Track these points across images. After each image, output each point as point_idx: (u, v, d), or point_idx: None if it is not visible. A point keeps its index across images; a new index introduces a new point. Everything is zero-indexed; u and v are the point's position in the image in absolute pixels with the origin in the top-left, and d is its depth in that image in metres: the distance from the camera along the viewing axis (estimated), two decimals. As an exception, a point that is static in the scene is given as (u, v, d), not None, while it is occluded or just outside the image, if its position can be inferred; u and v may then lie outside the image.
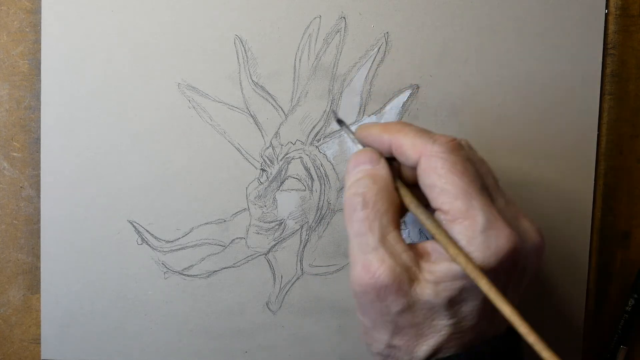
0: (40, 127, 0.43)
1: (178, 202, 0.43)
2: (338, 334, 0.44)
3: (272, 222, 0.44)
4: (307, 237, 0.44)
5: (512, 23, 0.42)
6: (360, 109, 0.43)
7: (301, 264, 0.44)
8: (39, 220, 0.44)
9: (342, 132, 0.43)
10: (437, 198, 0.31)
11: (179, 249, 0.44)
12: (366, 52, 0.42)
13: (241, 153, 0.43)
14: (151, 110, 0.43)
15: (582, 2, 0.42)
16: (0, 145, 0.44)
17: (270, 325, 0.44)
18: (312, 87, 0.43)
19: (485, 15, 0.42)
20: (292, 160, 0.43)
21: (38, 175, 0.44)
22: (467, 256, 0.30)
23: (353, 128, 0.43)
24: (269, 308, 0.44)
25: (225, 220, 0.44)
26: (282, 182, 0.43)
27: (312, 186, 0.43)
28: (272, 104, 0.43)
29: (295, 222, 0.44)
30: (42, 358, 0.45)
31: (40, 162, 0.43)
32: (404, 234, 0.43)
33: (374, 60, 0.42)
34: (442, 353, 0.32)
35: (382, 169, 0.33)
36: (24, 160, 0.44)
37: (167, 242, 0.44)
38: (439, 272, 0.31)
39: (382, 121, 0.43)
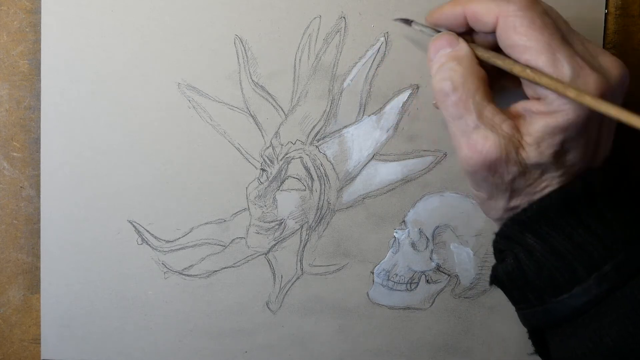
0: (40, 127, 0.43)
1: (178, 202, 0.43)
2: (338, 334, 0.44)
3: (272, 222, 0.44)
4: (307, 237, 0.44)
5: (512, 23, 0.42)
6: (360, 109, 0.43)
7: (301, 263, 0.44)
8: (39, 220, 0.44)
9: (343, 132, 0.43)
10: (520, 57, 0.32)
11: (179, 249, 0.44)
12: (366, 52, 0.42)
13: (241, 153, 0.43)
14: (151, 110, 0.43)
15: (582, 2, 0.42)
16: (0, 145, 0.44)
17: (270, 325, 0.44)
18: (312, 87, 0.43)
19: (485, 15, 0.42)
20: (292, 160, 0.43)
21: (38, 175, 0.44)
22: (572, 86, 0.31)
23: (351, 131, 0.43)
24: (269, 308, 0.44)
25: (225, 220, 0.44)
26: (282, 182, 0.43)
27: (312, 186, 0.43)
28: (272, 104, 0.43)
29: (295, 222, 0.44)
30: (42, 358, 0.45)
31: (40, 162, 0.43)
32: (404, 233, 0.43)
33: (374, 60, 0.42)
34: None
35: (463, 48, 0.34)
36: (24, 160, 0.44)
37: (167, 242, 0.44)
38: (536, 131, 0.32)
39: (382, 121, 0.43)
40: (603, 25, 0.42)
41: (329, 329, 0.44)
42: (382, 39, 0.42)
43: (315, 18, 0.42)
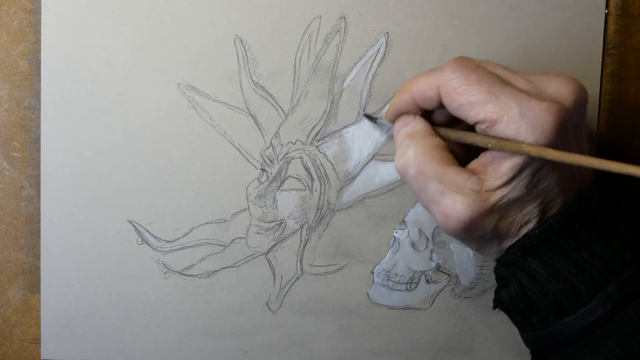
0: (40, 127, 0.43)
1: (178, 202, 0.43)
2: (338, 334, 0.44)
3: (272, 222, 0.44)
4: (307, 237, 0.44)
5: (512, 23, 0.42)
6: (360, 109, 0.43)
7: (301, 263, 0.44)
8: (39, 220, 0.44)
9: (343, 132, 0.43)
10: (469, 114, 0.33)
11: (179, 249, 0.44)
12: (366, 52, 0.42)
13: (241, 153, 0.43)
14: (151, 110, 0.43)
15: (582, 2, 0.42)
16: (0, 145, 0.44)
17: (270, 325, 0.44)
18: (312, 87, 0.43)
19: (485, 15, 0.42)
20: (292, 160, 0.43)
21: (38, 175, 0.44)
22: (525, 143, 0.31)
23: (351, 131, 0.43)
24: (269, 308, 0.44)
25: (225, 220, 0.44)
26: (282, 182, 0.43)
27: (312, 186, 0.43)
28: (272, 104, 0.43)
29: (295, 222, 0.44)
30: (42, 358, 0.45)
31: (40, 162, 0.43)
32: (404, 233, 0.43)
33: (374, 60, 0.42)
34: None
35: (418, 124, 0.36)
36: (24, 160, 0.44)
37: (167, 242, 0.44)
38: (504, 173, 0.32)
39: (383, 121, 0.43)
40: (603, 25, 0.42)
41: (329, 329, 0.44)
42: (382, 39, 0.42)
43: (315, 18, 0.42)
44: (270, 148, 0.43)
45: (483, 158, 0.34)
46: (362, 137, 0.43)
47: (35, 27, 0.43)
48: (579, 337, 0.32)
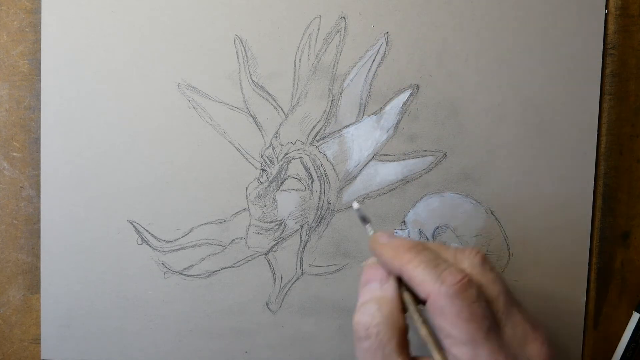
0: (40, 127, 0.43)
1: (178, 202, 0.43)
2: (338, 334, 0.44)
3: (272, 222, 0.44)
4: (307, 237, 0.44)
5: (512, 23, 0.42)
6: (360, 109, 0.43)
7: (301, 264, 0.44)
8: (39, 220, 0.44)
9: (343, 132, 0.43)
10: (443, 340, 0.31)
11: (179, 249, 0.44)
12: (366, 52, 0.42)
13: (241, 153, 0.43)
14: (151, 110, 0.43)
15: (582, 2, 0.42)
16: (0, 145, 0.44)
17: (270, 325, 0.44)
18: (312, 87, 0.43)
19: (485, 15, 0.42)
20: (292, 160, 0.43)
21: (38, 175, 0.44)
22: None
23: (351, 131, 0.43)
24: (269, 308, 0.44)
25: (225, 220, 0.44)
26: (282, 182, 0.43)
27: (312, 186, 0.43)
28: (272, 104, 0.43)
29: (295, 222, 0.44)
30: (42, 358, 0.45)
31: (40, 162, 0.43)
32: (404, 234, 0.43)
33: (374, 60, 0.42)
34: None
35: (390, 290, 0.33)
36: (24, 160, 0.44)
37: (167, 242, 0.44)
38: None
39: (382, 121, 0.43)
40: (603, 25, 0.42)
41: (329, 329, 0.44)
42: (382, 39, 0.42)
43: (315, 18, 0.42)
44: (270, 148, 0.43)
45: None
46: (362, 137, 0.43)
47: (35, 27, 0.43)
48: None
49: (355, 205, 0.37)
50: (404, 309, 0.33)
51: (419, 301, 0.33)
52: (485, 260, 0.33)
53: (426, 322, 0.33)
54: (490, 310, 0.32)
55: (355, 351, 0.33)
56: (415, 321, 0.33)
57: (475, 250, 0.33)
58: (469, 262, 0.33)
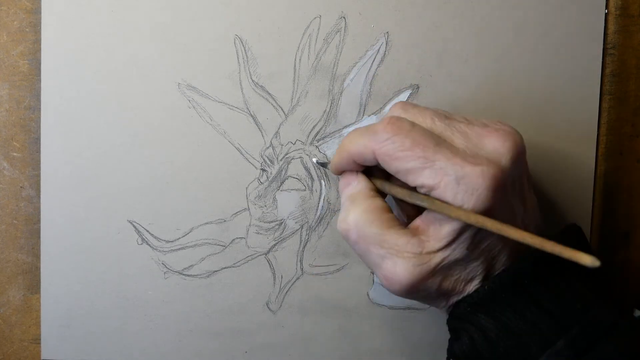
0: (40, 127, 0.43)
1: (178, 202, 0.43)
2: (338, 334, 0.44)
3: (272, 222, 0.44)
4: (307, 237, 0.44)
5: (512, 23, 0.42)
6: (360, 109, 0.43)
7: (301, 263, 0.44)
8: (39, 220, 0.44)
9: (343, 132, 0.43)
10: (406, 179, 0.32)
11: (179, 249, 0.44)
12: (366, 52, 0.42)
13: (241, 153, 0.43)
14: (151, 110, 0.43)
15: (582, 2, 0.42)
16: (0, 145, 0.44)
17: (270, 325, 0.44)
18: (312, 87, 0.43)
19: (485, 15, 0.42)
20: (292, 160, 0.43)
21: (38, 175, 0.44)
22: (462, 209, 0.31)
23: (353, 127, 0.43)
24: (269, 308, 0.44)
25: (225, 220, 0.44)
26: (282, 182, 0.43)
27: (312, 186, 0.43)
28: (272, 104, 0.43)
29: (295, 222, 0.44)
30: (42, 358, 0.45)
31: (40, 162, 0.43)
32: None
33: (374, 60, 0.42)
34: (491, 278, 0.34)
35: (359, 184, 0.35)
36: (24, 160, 0.44)
37: (167, 242, 0.44)
38: (445, 236, 0.32)
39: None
40: (603, 25, 0.42)
41: (329, 329, 0.44)
42: (382, 39, 0.42)
43: (315, 18, 0.42)
44: (270, 148, 0.43)
45: (425, 217, 0.33)
46: (362, 137, 0.43)
47: (35, 27, 0.43)
48: None
49: (314, 160, 0.41)
50: (380, 195, 0.35)
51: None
52: (405, 104, 0.35)
53: (394, 184, 0.34)
54: (430, 133, 0.33)
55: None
56: (388, 191, 0.35)
57: (394, 103, 0.36)
58: (391, 112, 0.35)
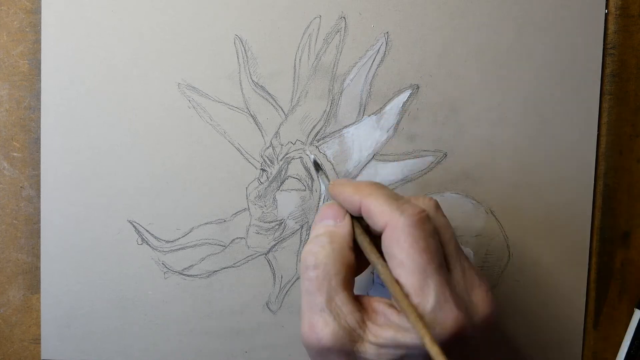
0: (40, 127, 0.43)
1: (178, 202, 0.43)
2: (338, 334, 0.44)
3: (272, 222, 0.44)
4: (307, 237, 0.44)
5: (512, 23, 0.42)
6: (360, 109, 0.43)
7: (301, 264, 0.44)
8: (39, 220, 0.44)
9: (343, 132, 0.43)
10: (395, 269, 0.32)
11: (179, 249, 0.44)
12: (366, 52, 0.42)
13: (241, 153, 0.43)
14: (151, 110, 0.43)
15: (582, 2, 0.42)
16: (0, 145, 0.44)
17: (270, 325, 0.44)
18: (312, 87, 0.43)
19: (485, 15, 0.42)
20: (292, 160, 0.43)
21: (38, 175, 0.44)
22: (424, 328, 0.30)
23: (351, 131, 0.43)
24: (269, 308, 0.44)
25: (225, 220, 0.44)
26: (282, 182, 0.43)
27: (312, 186, 0.43)
28: (272, 104, 0.43)
29: (295, 222, 0.44)
30: (42, 358, 0.45)
31: (40, 162, 0.43)
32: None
33: (374, 60, 0.42)
34: None
35: (344, 227, 0.34)
36: (24, 160, 0.44)
37: (167, 242, 0.44)
38: (383, 338, 0.31)
39: (382, 121, 0.43)
40: (603, 25, 0.42)
41: (329, 329, 0.44)
42: (382, 39, 0.42)
43: (315, 18, 0.42)
44: (270, 148, 0.43)
45: (374, 305, 0.33)
46: (362, 137, 0.43)
47: (35, 27, 0.43)
48: None
49: (312, 156, 0.40)
50: (355, 248, 0.34)
51: (372, 239, 0.34)
52: (438, 206, 0.34)
53: (379, 255, 0.33)
54: (442, 252, 0.32)
55: (300, 284, 0.33)
56: (368, 254, 0.34)
57: (430, 197, 0.35)
58: (424, 205, 0.34)
